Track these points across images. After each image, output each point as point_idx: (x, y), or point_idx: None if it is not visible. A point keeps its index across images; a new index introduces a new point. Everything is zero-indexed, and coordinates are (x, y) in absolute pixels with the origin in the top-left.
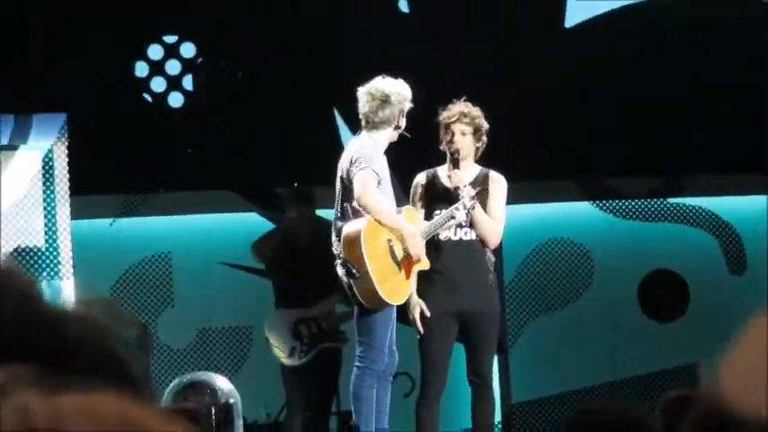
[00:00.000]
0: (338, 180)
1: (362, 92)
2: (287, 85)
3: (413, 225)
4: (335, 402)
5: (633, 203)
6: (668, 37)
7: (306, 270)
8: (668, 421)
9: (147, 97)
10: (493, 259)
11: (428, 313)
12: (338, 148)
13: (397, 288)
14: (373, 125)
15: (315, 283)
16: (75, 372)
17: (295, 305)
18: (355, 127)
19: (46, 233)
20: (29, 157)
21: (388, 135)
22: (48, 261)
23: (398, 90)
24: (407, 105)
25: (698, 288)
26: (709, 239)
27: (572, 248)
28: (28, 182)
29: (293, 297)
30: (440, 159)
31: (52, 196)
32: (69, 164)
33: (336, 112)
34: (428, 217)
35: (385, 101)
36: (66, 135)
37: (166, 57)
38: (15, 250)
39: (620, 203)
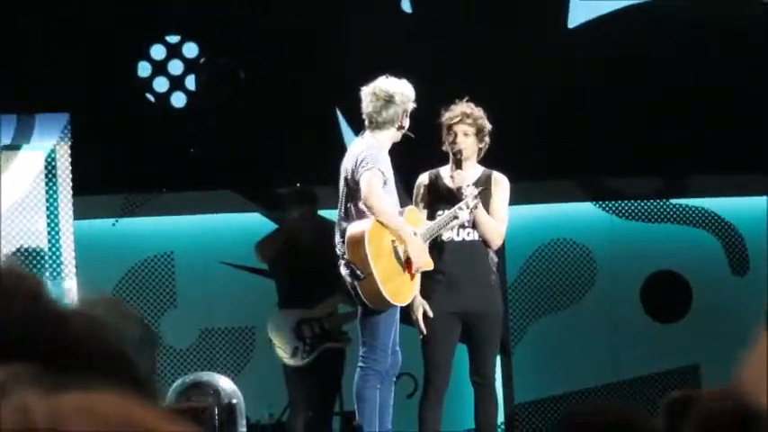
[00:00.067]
0: (342, 180)
1: (366, 92)
2: (289, 85)
3: (415, 226)
4: (338, 402)
5: (636, 204)
6: (669, 37)
7: (308, 270)
8: (671, 422)
9: (150, 97)
10: (495, 260)
11: (431, 314)
12: (340, 148)
13: (401, 289)
14: (377, 125)
15: (317, 284)
16: (82, 370)
17: (298, 305)
18: (357, 127)
19: (48, 233)
20: (31, 156)
21: (391, 135)
22: (50, 261)
23: (402, 90)
24: (411, 105)
25: (700, 289)
26: (712, 240)
27: (574, 249)
28: (30, 182)
29: (296, 297)
30: (442, 160)
31: (55, 196)
32: (72, 164)
33: (338, 113)
34: (431, 217)
35: (389, 101)
36: (69, 135)
37: (169, 57)
38: (18, 250)
39: (623, 204)
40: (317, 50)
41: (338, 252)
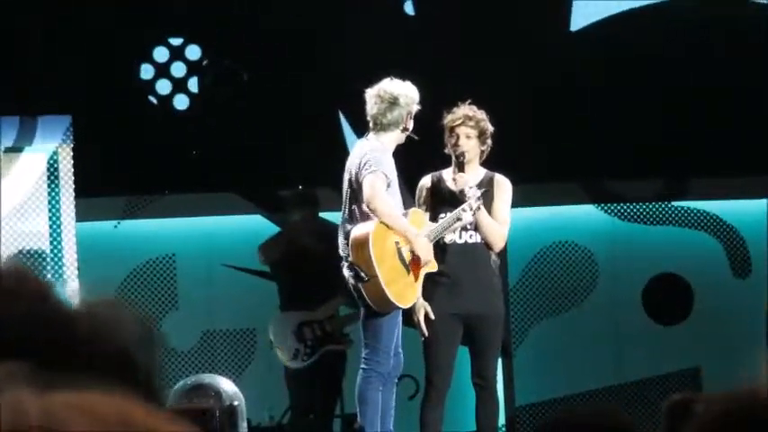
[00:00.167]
0: (346, 182)
1: (371, 94)
2: (291, 86)
3: (419, 228)
4: (339, 405)
5: (637, 207)
6: (671, 40)
7: (310, 273)
8: (672, 424)
9: (153, 99)
10: (497, 262)
11: (433, 316)
12: (342, 150)
13: (405, 291)
14: (381, 127)
15: (319, 286)
16: (88, 371)
17: (299, 308)
18: (359, 129)
19: (50, 235)
20: (34, 158)
21: (395, 137)
22: (52, 263)
23: (407, 92)
24: (415, 107)
25: (702, 291)
26: (714, 243)
27: (576, 252)
28: (33, 184)
29: (297, 299)
30: (444, 162)
31: (57, 198)
32: (74, 166)
33: (341, 114)
34: (433, 220)
35: (393, 103)
36: (71, 137)
37: (172, 59)
38: (20, 252)
39: (625, 207)
40: (318, 52)
41: (342, 254)
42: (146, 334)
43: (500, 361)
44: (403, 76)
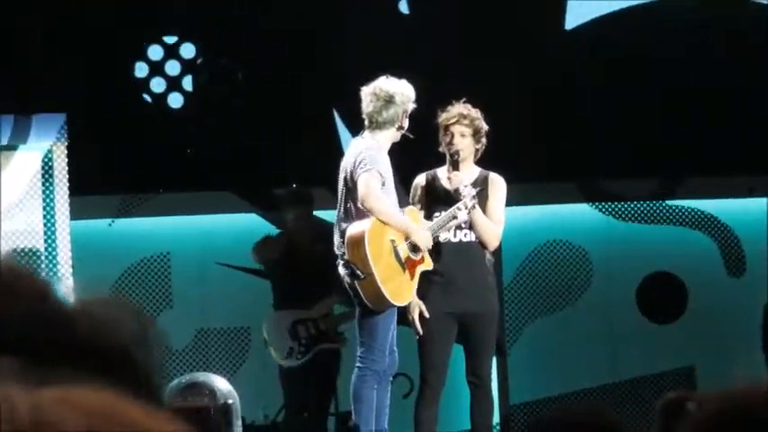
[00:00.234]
0: (341, 181)
1: (366, 92)
2: (286, 85)
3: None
4: (334, 403)
5: (632, 205)
6: (667, 39)
7: (304, 271)
8: (666, 423)
9: (147, 98)
10: (492, 260)
11: (427, 314)
12: (337, 148)
13: (401, 288)
14: (377, 125)
15: (313, 284)
16: (89, 370)
17: (293, 306)
18: (354, 128)
19: (45, 233)
20: (28, 157)
21: (391, 135)
22: (47, 261)
23: (402, 90)
24: (411, 106)
25: (696, 290)
26: (708, 242)
27: (571, 250)
28: (27, 182)
29: (291, 298)
30: (439, 161)
31: (51, 196)
32: (69, 164)
33: (336, 113)
34: (428, 218)
35: (389, 101)
36: (66, 135)
37: (166, 57)
38: (14, 250)
39: (619, 205)
40: (314, 51)
41: (337, 252)
42: (146, 332)
43: (494, 359)
44: (398, 75)
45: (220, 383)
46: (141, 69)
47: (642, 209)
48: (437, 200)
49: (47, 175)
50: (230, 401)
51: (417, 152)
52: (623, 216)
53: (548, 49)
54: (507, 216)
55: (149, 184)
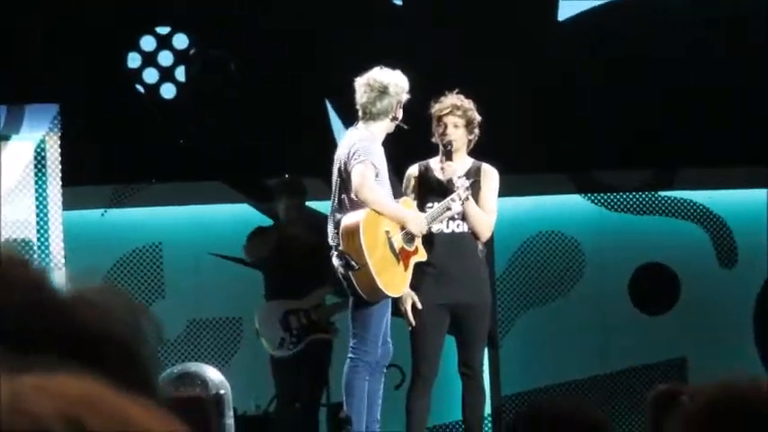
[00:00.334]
0: (335, 172)
1: (360, 83)
2: (279, 75)
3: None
4: (325, 394)
5: (624, 196)
6: (660, 30)
7: (296, 261)
8: (656, 415)
9: (140, 88)
10: (484, 251)
11: (420, 305)
12: (330, 139)
13: (395, 279)
14: (371, 116)
15: (305, 275)
16: (86, 359)
17: (285, 296)
18: (347, 118)
19: (37, 223)
20: (21, 147)
21: (385, 126)
22: (39, 251)
23: (396, 81)
24: (405, 96)
25: (689, 281)
26: (700, 233)
27: (563, 241)
28: (20, 172)
29: (283, 288)
30: (432, 152)
31: (44, 187)
32: (61, 154)
33: (328, 104)
34: (420, 209)
35: (383, 92)
36: (59, 126)
37: (159, 48)
38: (7, 241)
39: (612, 196)
40: (308, 42)
41: (332, 243)
42: (140, 321)
43: (486, 351)
44: (392, 66)
45: (212, 374)
46: (134, 60)
47: (635, 200)
48: (430, 190)
49: (39, 166)
50: (222, 392)
51: (410, 142)
52: (616, 207)
53: (541, 40)
54: (499, 207)
55: (142, 175)
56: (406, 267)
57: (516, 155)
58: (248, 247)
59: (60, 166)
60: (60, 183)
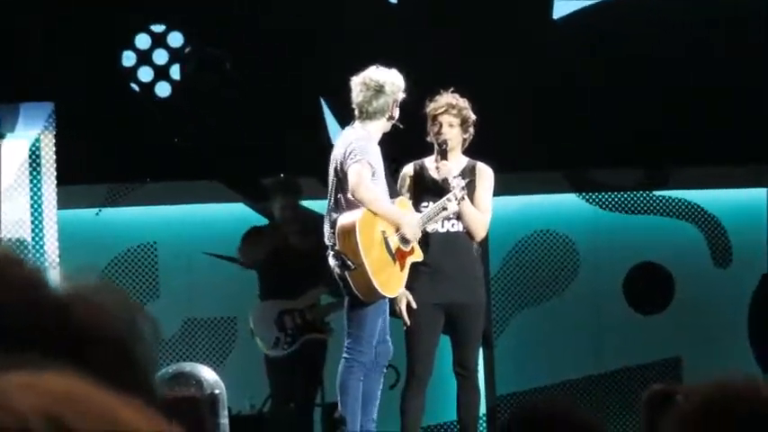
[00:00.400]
0: (332, 172)
1: (356, 82)
2: (274, 74)
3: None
4: (320, 394)
5: (619, 196)
6: (654, 28)
7: (291, 261)
8: (651, 415)
9: (135, 87)
10: (479, 250)
11: (414, 305)
12: (325, 138)
13: (391, 280)
14: (367, 115)
15: (300, 275)
16: (83, 357)
17: (280, 296)
18: (342, 118)
19: (32, 222)
20: (16, 146)
21: (381, 125)
22: (34, 250)
23: (392, 80)
24: (401, 96)
25: (683, 281)
26: (695, 232)
27: (558, 240)
28: (14, 171)
29: (278, 288)
30: (428, 151)
31: (39, 185)
32: (56, 153)
33: (323, 103)
34: (416, 208)
35: (379, 91)
36: (54, 124)
37: (154, 46)
38: (1, 239)
39: (606, 196)
40: (302, 41)
41: (328, 243)
42: (139, 320)
43: (481, 350)
44: (388, 65)
45: (207, 373)
46: (129, 58)
47: (629, 199)
48: (425, 189)
49: (34, 164)
50: (217, 391)
51: (406, 141)
52: (610, 206)
53: (537, 39)
54: (494, 206)
55: (136, 174)
56: (402, 267)
57: (511, 153)
58: (243, 251)
59: (55, 165)
60: (55, 181)
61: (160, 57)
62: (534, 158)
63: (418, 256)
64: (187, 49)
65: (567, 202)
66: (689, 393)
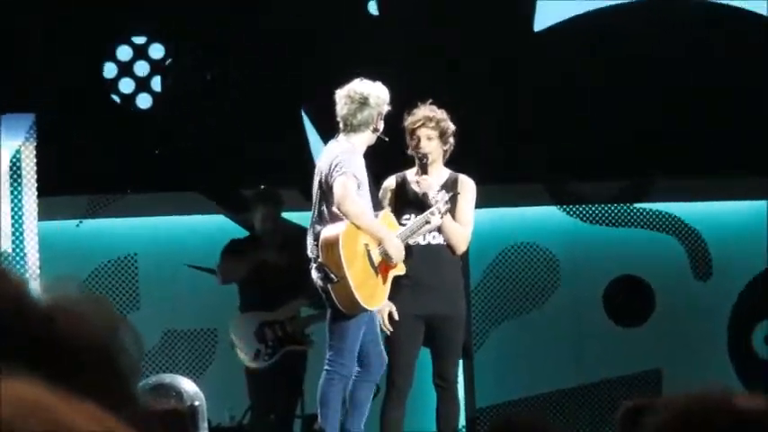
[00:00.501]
0: (316, 184)
1: (341, 94)
2: (255, 86)
3: (391, 229)
4: (300, 405)
5: (600, 208)
6: (637, 38)
7: (271, 273)
8: (625, 430)
9: (116, 98)
10: (460, 263)
11: (397, 316)
12: (306, 150)
13: (373, 293)
14: (351, 128)
15: (280, 287)
16: (67, 368)
17: (260, 308)
18: (323, 129)
19: (13, 234)
20: None
21: (366, 138)
22: (14, 262)
23: (377, 93)
24: (386, 108)
25: (663, 293)
26: (675, 245)
27: (538, 253)
28: None
29: (258, 300)
30: (411, 163)
31: (19, 197)
32: (37, 164)
33: (304, 115)
34: (397, 221)
35: (363, 103)
36: (34, 135)
37: (135, 58)
38: None
39: (587, 208)
40: (283, 52)
41: (310, 255)
42: (122, 331)
43: (461, 362)
44: (369, 78)
45: (187, 385)
46: (110, 70)
47: (609, 212)
48: (407, 203)
49: (15, 176)
50: (197, 403)
51: (389, 153)
52: (590, 219)
53: (517, 49)
54: (475, 218)
55: (117, 185)
56: (384, 280)
57: (491, 166)
58: (223, 264)
59: (36, 176)
60: (36, 193)
61: (141, 68)
62: (515, 170)
63: (401, 269)
64: (168, 61)
65: (547, 215)
66: (667, 405)
